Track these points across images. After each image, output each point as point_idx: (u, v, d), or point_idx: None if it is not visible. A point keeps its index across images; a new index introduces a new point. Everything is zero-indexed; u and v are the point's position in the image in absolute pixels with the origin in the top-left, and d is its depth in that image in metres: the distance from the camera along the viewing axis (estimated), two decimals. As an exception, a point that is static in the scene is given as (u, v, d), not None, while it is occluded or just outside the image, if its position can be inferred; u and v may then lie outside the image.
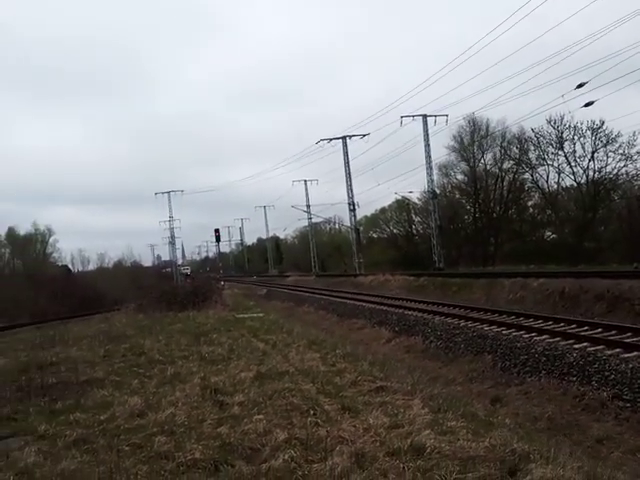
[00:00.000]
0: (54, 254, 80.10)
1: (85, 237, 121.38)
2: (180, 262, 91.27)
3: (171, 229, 74.04)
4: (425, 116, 43.59)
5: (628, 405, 8.09)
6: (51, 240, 78.94)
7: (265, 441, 5.49)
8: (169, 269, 77.78)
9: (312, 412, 6.39)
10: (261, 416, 6.32)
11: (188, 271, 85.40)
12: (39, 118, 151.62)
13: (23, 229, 76.19)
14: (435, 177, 46.82)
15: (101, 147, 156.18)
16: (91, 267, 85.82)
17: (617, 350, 10.19)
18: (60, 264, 76.10)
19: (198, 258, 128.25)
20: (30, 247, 76.87)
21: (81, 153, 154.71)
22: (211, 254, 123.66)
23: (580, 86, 25.88)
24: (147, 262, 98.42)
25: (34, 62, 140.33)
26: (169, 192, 71.27)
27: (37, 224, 77.70)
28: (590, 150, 39.86)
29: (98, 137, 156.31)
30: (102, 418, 6.85)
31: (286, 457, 4.95)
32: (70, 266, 79.31)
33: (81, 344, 14.42)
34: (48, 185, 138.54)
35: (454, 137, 50.29)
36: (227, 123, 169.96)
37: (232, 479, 4.71)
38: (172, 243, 76.73)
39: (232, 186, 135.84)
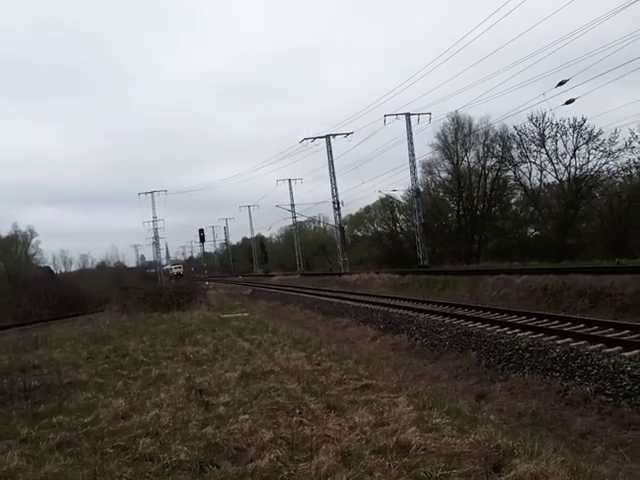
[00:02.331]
0: (36, 255, 79.37)
1: (67, 238, 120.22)
2: (164, 262, 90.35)
3: (155, 229, 73.77)
4: (408, 114, 43.87)
5: (610, 400, 8.18)
6: (33, 241, 78.24)
7: (251, 441, 5.46)
8: (154, 270, 77.14)
9: (298, 411, 6.38)
10: (247, 416, 6.29)
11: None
12: (15, 117, 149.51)
13: (4, 230, 75.37)
14: (419, 175, 47.19)
15: (81, 146, 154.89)
16: (74, 268, 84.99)
17: (599, 345, 10.34)
18: (42, 265, 75.28)
19: (182, 258, 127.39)
20: (12, 248, 75.95)
21: (60, 152, 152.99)
22: (195, 254, 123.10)
23: (561, 84, 26.23)
24: (131, 263, 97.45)
25: (12, 60, 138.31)
26: (152, 192, 71.01)
27: (18, 225, 76.99)
28: (572, 147, 40.31)
29: (77, 136, 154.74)
30: (86, 421, 6.78)
31: (272, 457, 4.94)
32: (52, 267, 78.42)
33: (64, 346, 14.25)
34: (27, 185, 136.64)
35: (438, 135, 50.66)
36: (210, 121, 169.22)
37: (218, 480, 4.70)
38: (156, 243, 76.36)
39: (216, 186, 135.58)
